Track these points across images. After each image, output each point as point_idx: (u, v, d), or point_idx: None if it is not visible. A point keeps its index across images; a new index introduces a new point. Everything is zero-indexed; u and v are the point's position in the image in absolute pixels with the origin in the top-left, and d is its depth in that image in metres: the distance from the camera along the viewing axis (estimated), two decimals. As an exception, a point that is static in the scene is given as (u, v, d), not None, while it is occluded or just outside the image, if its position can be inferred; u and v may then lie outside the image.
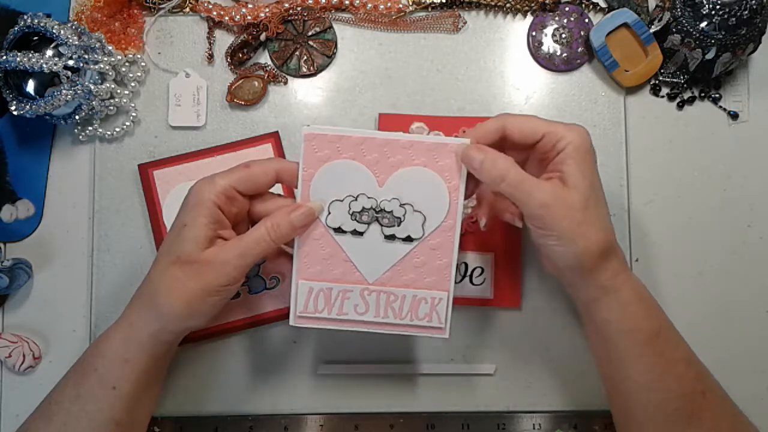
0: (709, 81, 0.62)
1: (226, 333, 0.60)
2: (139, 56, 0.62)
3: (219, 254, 0.47)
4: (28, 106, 0.56)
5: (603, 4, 0.63)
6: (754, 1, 0.56)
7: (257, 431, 0.59)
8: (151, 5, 0.62)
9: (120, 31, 0.61)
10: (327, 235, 0.49)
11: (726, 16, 0.56)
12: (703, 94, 0.63)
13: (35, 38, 0.57)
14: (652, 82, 0.62)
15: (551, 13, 0.62)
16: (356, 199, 0.49)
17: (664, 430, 0.48)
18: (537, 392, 0.60)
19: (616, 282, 0.48)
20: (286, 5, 0.61)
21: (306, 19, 0.62)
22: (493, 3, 0.62)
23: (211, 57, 0.62)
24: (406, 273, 0.50)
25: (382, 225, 0.49)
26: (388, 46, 0.63)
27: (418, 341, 0.60)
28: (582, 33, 0.62)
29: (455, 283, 0.60)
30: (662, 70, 0.62)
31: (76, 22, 0.60)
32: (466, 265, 0.60)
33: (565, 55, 0.62)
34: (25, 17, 0.56)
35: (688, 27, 0.58)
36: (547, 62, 0.62)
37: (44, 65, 0.55)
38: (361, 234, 0.49)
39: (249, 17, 0.61)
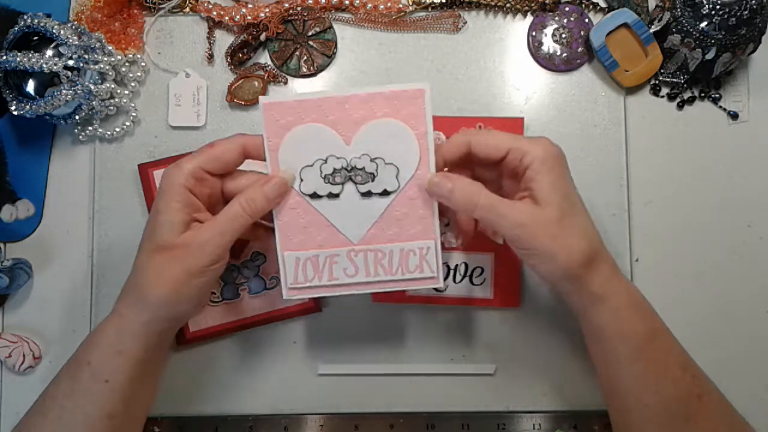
0: (709, 81, 0.62)
1: (226, 333, 0.60)
2: (139, 56, 0.62)
3: (196, 236, 0.47)
4: (28, 106, 0.56)
5: (603, 4, 0.63)
6: (754, 1, 0.56)
7: (257, 431, 0.59)
8: (151, 5, 0.62)
9: (120, 31, 0.61)
10: (303, 203, 0.49)
11: (726, 16, 0.56)
12: (703, 94, 0.63)
13: (35, 38, 0.57)
14: (652, 82, 0.62)
15: (551, 13, 0.62)
16: (326, 162, 0.48)
17: None
18: (537, 392, 0.60)
19: (608, 288, 0.48)
20: (286, 5, 0.61)
21: (306, 19, 0.62)
22: (493, 3, 0.62)
23: (211, 57, 0.62)
24: (390, 228, 0.49)
25: (356, 183, 0.49)
26: (388, 46, 0.63)
27: (418, 341, 0.60)
28: (582, 33, 0.62)
29: (456, 282, 0.60)
30: (662, 70, 0.62)
31: (76, 22, 0.60)
32: (466, 265, 0.60)
33: (565, 55, 0.62)
34: (25, 17, 0.56)
35: (688, 27, 0.58)
36: (547, 62, 0.62)
37: (44, 65, 0.55)
38: (337, 196, 0.49)
39: (249, 17, 0.61)
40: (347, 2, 0.62)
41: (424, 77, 0.62)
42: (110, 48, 0.60)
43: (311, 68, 0.62)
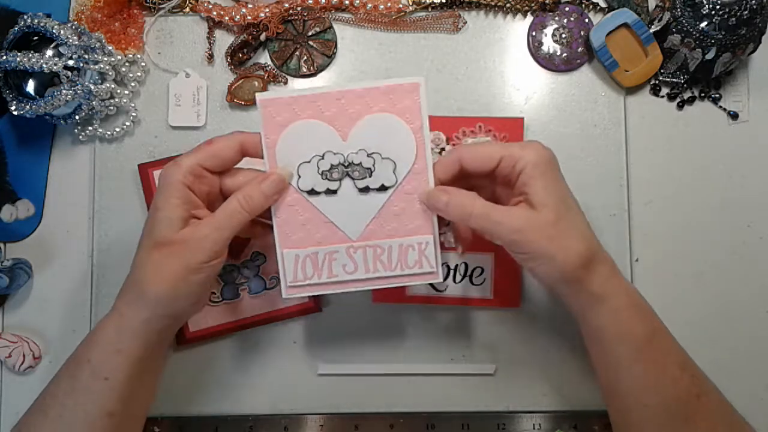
0: (709, 81, 0.62)
1: (226, 333, 0.60)
2: (139, 56, 0.62)
3: (194, 232, 0.47)
4: (28, 106, 0.56)
5: (603, 4, 0.63)
6: (754, 1, 0.56)
7: (257, 431, 0.59)
8: (151, 5, 0.62)
9: (120, 31, 0.62)
10: (302, 200, 0.49)
11: (726, 16, 0.56)
12: (703, 94, 0.63)
13: (35, 38, 0.57)
14: (652, 82, 0.62)
15: (551, 13, 0.62)
16: (323, 158, 0.48)
17: None
18: (537, 392, 0.60)
19: (606, 289, 0.48)
20: (286, 5, 0.61)
21: (306, 19, 0.62)
22: (493, 3, 0.62)
23: (211, 57, 0.62)
24: (388, 223, 0.49)
25: (353, 179, 0.49)
26: (388, 46, 0.63)
27: (418, 341, 0.60)
28: (582, 33, 0.62)
29: (456, 282, 0.60)
30: (662, 70, 0.62)
31: (76, 22, 0.60)
32: (466, 265, 0.60)
33: (565, 55, 0.62)
34: (25, 17, 0.56)
35: (688, 27, 0.58)
36: (547, 62, 0.62)
37: (44, 65, 0.55)
38: (334, 192, 0.49)
39: (249, 17, 0.61)
40: (347, 2, 0.62)
41: (424, 77, 0.62)
42: (110, 48, 0.60)
43: (311, 68, 0.62)
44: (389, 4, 0.62)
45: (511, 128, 0.60)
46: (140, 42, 0.62)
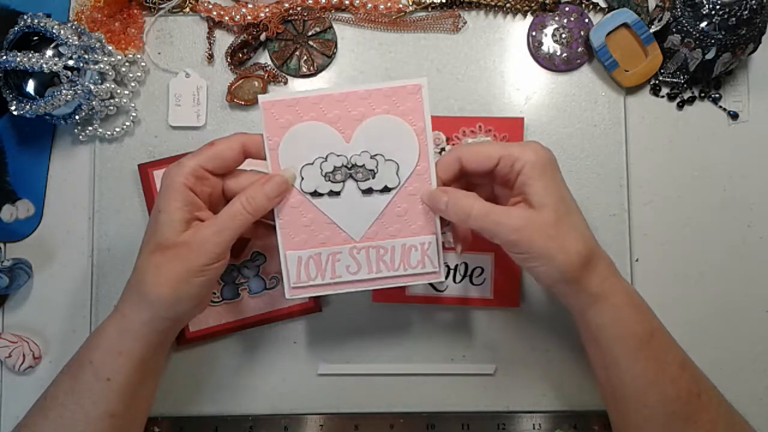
0: (709, 81, 0.62)
1: (226, 333, 0.60)
2: (139, 56, 0.62)
3: (196, 234, 0.47)
4: (28, 106, 0.56)
5: (603, 4, 0.63)
6: (754, 1, 0.56)
7: (257, 431, 0.59)
8: (151, 5, 0.62)
9: (120, 31, 0.62)
10: (305, 201, 0.49)
11: (726, 16, 0.56)
12: (703, 94, 0.63)
13: (35, 38, 0.57)
14: (652, 82, 0.62)
15: (551, 13, 0.62)
16: (326, 160, 0.48)
17: None
18: (537, 392, 0.60)
19: (605, 288, 0.48)
20: (286, 5, 0.61)
21: (306, 19, 0.62)
22: (493, 3, 0.62)
23: (211, 57, 0.62)
24: (391, 224, 0.49)
25: (357, 180, 0.49)
26: (388, 46, 0.63)
27: (418, 341, 0.60)
28: (582, 33, 0.62)
29: (456, 282, 0.60)
30: (662, 70, 0.62)
31: (76, 22, 0.60)
32: (466, 265, 0.60)
33: (565, 55, 0.62)
34: (25, 17, 0.56)
35: (688, 27, 0.58)
36: (547, 62, 0.62)
37: (44, 65, 0.55)
38: (338, 193, 0.49)
39: (249, 17, 0.61)
40: (347, 2, 0.62)
41: (424, 76, 0.62)
42: (110, 48, 0.60)
43: (311, 68, 0.62)
44: (389, 4, 0.62)
45: (511, 128, 0.60)
46: (140, 42, 0.62)
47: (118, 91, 0.60)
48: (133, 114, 0.61)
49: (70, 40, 0.56)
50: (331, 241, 0.50)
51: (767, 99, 0.63)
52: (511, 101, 0.62)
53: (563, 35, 0.62)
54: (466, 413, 0.60)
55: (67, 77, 0.56)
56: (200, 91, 0.62)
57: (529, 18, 0.63)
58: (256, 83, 0.61)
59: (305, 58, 0.62)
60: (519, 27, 0.63)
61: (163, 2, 0.62)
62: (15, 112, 0.57)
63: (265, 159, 0.49)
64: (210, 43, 0.62)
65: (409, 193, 0.49)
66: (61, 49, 0.56)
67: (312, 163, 0.49)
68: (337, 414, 0.60)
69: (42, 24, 0.56)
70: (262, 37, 0.61)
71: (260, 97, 0.48)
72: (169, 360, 0.60)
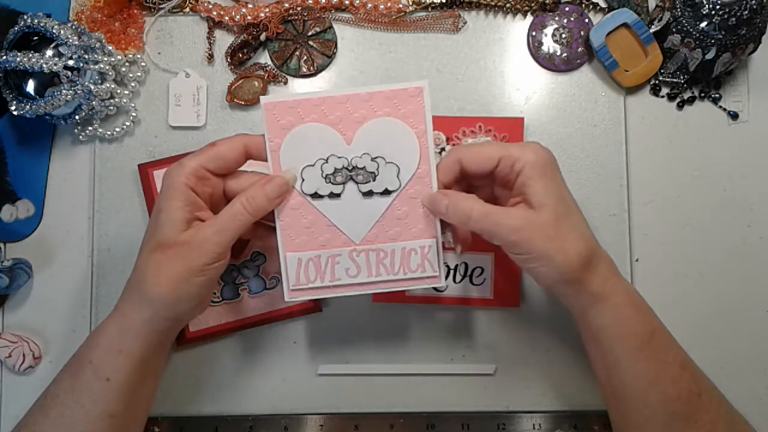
0: (709, 81, 0.62)
1: (226, 333, 0.60)
2: (139, 56, 0.62)
3: (197, 234, 0.47)
4: (28, 106, 0.56)
5: (603, 4, 0.63)
6: (754, 1, 0.56)
7: (257, 431, 0.59)
8: (151, 5, 0.62)
9: (120, 31, 0.62)
10: (305, 203, 0.49)
11: (726, 16, 0.56)
12: (703, 94, 0.63)
13: (35, 38, 0.57)
14: (652, 82, 0.62)
15: (551, 13, 0.62)
16: (327, 161, 0.48)
17: None
18: (537, 392, 0.60)
19: (606, 288, 0.48)
20: (286, 5, 0.61)
21: (306, 19, 0.62)
22: (493, 3, 0.62)
23: (211, 57, 0.62)
24: (391, 227, 0.49)
25: (357, 183, 0.49)
26: (388, 46, 0.63)
27: (418, 341, 0.60)
28: (582, 33, 0.62)
29: (456, 282, 0.60)
30: (662, 70, 0.62)
31: (76, 22, 0.60)
32: (467, 265, 0.60)
33: (565, 55, 0.62)
34: (25, 17, 0.56)
35: (688, 27, 0.58)
36: (547, 62, 0.62)
37: (44, 65, 0.55)
38: (338, 195, 0.49)
39: (249, 17, 0.61)
40: (347, 2, 0.62)
41: (424, 77, 0.62)
42: (110, 48, 0.60)
43: (311, 68, 0.62)
44: (389, 4, 0.62)
45: (511, 128, 0.60)
46: (140, 42, 0.62)
47: (118, 91, 0.60)
48: (133, 114, 0.61)
49: (70, 40, 0.56)
50: (331, 243, 0.49)
51: (767, 99, 0.63)
52: (511, 101, 0.62)
53: (563, 35, 0.62)
54: (466, 413, 0.60)
55: (67, 77, 0.56)
56: (200, 91, 0.62)
57: (529, 18, 0.63)
58: (256, 83, 0.61)
59: (305, 58, 0.62)
60: (519, 27, 0.63)
61: (163, 2, 0.62)
62: (15, 112, 0.57)
63: (266, 160, 0.49)
64: (210, 43, 0.62)
65: (410, 196, 0.49)
66: (61, 49, 0.56)
67: (313, 165, 0.49)
68: (337, 414, 0.60)
69: (42, 24, 0.56)
70: (262, 37, 0.61)
71: (262, 98, 0.48)
72: (169, 360, 0.60)
